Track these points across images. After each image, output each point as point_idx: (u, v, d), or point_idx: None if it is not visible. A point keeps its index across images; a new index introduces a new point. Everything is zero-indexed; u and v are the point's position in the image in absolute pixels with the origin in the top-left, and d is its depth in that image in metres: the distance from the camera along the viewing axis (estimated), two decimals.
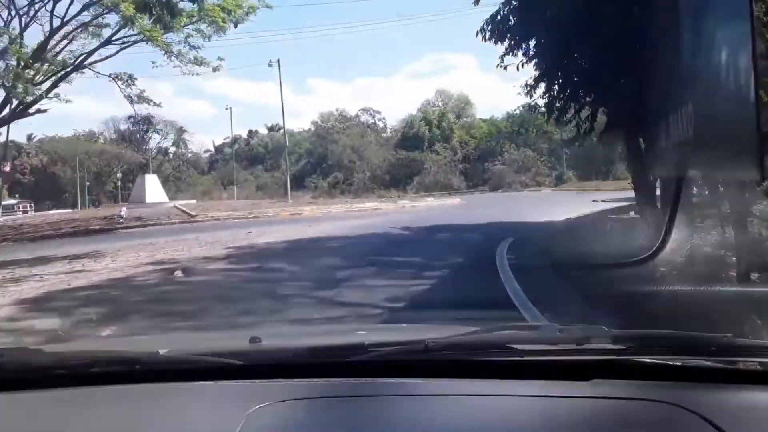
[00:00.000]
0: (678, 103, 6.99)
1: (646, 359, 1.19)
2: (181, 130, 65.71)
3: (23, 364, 1.39)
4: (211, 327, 5.19)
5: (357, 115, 73.58)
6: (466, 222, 15.40)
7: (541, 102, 11.78)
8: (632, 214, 12.80)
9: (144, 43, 17.84)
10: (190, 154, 69.10)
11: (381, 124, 73.60)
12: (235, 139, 73.53)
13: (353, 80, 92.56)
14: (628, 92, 9.01)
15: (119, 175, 59.65)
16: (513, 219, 16.10)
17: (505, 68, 11.07)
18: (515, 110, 60.56)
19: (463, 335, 1.37)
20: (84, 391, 1.29)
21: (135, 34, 17.66)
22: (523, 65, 10.73)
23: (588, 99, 10.45)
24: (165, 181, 57.12)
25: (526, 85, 11.28)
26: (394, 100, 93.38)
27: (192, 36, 18.28)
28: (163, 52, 18.07)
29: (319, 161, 62.85)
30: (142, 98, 19.87)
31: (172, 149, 67.32)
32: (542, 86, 11.12)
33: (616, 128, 10.21)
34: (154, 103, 19.81)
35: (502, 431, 1.06)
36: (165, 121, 62.65)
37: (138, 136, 64.67)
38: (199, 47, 18.15)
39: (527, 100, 12.26)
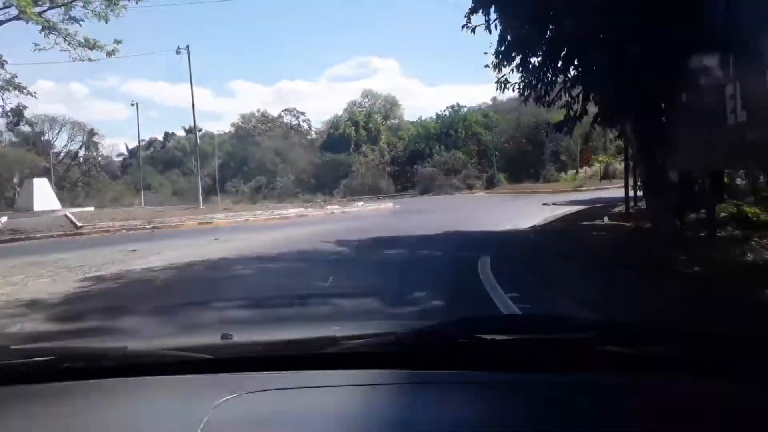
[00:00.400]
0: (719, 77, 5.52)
1: (612, 348, 1.20)
2: (91, 132, 60.43)
3: None
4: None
5: (280, 116, 70.66)
6: (412, 232, 12.70)
7: (516, 78, 9.23)
8: (606, 220, 10.62)
9: (22, 22, 14.90)
10: (100, 158, 63.61)
11: (305, 126, 70.96)
12: (151, 143, 69.12)
13: (276, 83, 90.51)
14: (643, 63, 6.63)
15: (15, 180, 53.76)
16: (466, 227, 13.71)
17: (473, 30, 8.49)
18: (444, 111, 59.37)
19: (433, 326, 1.38)
20: (52, 387, 1.27)
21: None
22: (493, 25, 8.16)
23: (582, 70, 8.01)
24: (72, 187, 52.07)
25: (498, 54, 8.68)
26: (319, 103, 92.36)
27: (73, 7, 15.08)
28: (41, 29, 15.29)
29: (240, 164, 59.48)
30: (12, 84, 16.42)
31: (81, 152, 61.63)
32: (517, 58, 8.60)
33: (621, 111, 7.80)
34: (28, 92, 16.54)
35: (464, 415, 1.06)
36: (73, 122, 57.84)
37: (43, 138, 58.78)
38: (82, 20, 15.11)
39: (496, 75, 9.57)
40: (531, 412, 1.06)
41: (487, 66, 9.10)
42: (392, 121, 71.80)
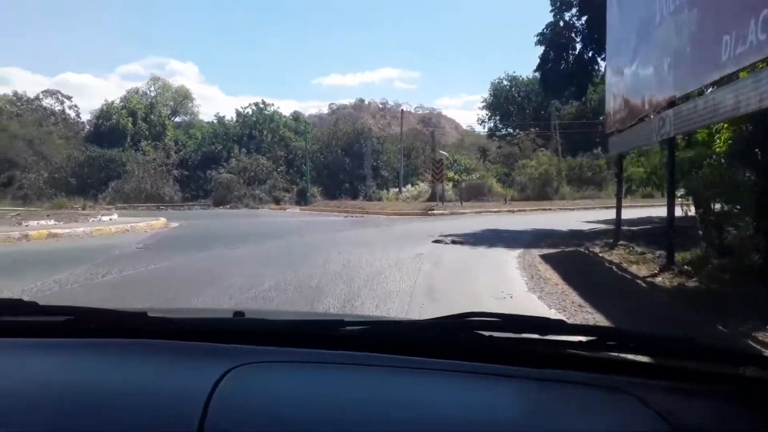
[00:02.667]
0: None
1: (603, 354, 1.24)
2: None
3: (19, 312, 1.46)
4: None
5: (38, 98, 56.01)
6: None
7: None
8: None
9: None
10: None
11: (73, 114, 57.12)
12: None
13: (58, 74, 75.66)
14: None
15: None
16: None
17: None
18: (246, 108, 50.37)
19: (440, 319, 1.36)
20: (71, 342, 1.33)
21: None
22: None
23: None
24: None
25: None
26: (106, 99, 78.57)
27: None
28: None
29: None
30: None
31: None
32: None
33: None
34: None
35: (464, 402, 1.09)
36: None
37: None
38: None
39: None
40: (516, 400, 1.12)
41: None
42: (183, 117, 61.10)
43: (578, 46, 15.67)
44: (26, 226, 14.66)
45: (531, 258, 9.17)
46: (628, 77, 9.36)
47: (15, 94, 54.88)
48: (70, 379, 1.16)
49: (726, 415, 1.06)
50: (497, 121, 54.69)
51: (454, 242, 11.74)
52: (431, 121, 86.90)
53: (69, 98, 55.32)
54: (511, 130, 51.71)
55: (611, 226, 16.46)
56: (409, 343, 1.28)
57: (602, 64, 15.74)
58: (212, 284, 6.72)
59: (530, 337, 1.26)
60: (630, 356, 1.23)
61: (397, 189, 41.06)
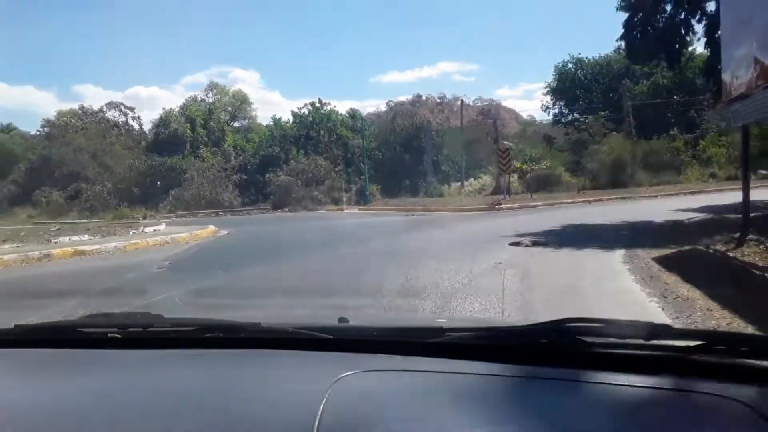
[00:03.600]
0: None
1: (713, 358, 1.17)
2: None
3: (148, 325, 1.56)
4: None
5: (101, 110, 56.85)
6: None
7: None
8: None
9: None
10: None
11: (135, 125, 57.78)
12: None
13: (128, 88, 78.05)
14: None
15: None
16: None
17: None
18: (302, 109, 49.49)
19: (534, 324, 1.35)
20: (194, 352, 1.44)
21: None
22: None
23: None
24: None
25: None
26: (164, 107, 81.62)
27: None
28: None
29: (52, 169, 45.65)
30: None
31: None
32: None
33: None
34: None
35: (565, 408, 1.08)
36: None
37: None
38: None
39: None
40: (624, 405, 1.07)
41: None
42: (242, 121, 60.88)
43: (668, 8, 13.47)
44: (55, 242, 13.69)
45: (644, 263, 7.30)
46: (761, 27, 7.32)
47: (81, 107, 55.87)
48: (195, 389, 1.25)
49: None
50: (563, 107, 51.74)
51: (536, 244, 9.92)
52: (490, 113, 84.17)
53: (132, 109, 55.79)
54: (578, 115, 48.73)
55: (709, 215, 14.29)
56: (508, 348, 1.28)
57: (698, 27, 13.50)
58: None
59: (635, 342, 1.21)
60: (747, 361, 1.14)
61: (459, 183, 39.18)
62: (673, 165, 37.36)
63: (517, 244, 10.07)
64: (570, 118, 50.64)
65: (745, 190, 8.90)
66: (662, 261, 7.39)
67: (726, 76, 8.90)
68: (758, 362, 1.12)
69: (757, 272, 6.28)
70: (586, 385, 1.13)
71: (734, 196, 20.26)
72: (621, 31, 13.90)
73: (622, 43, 13.79)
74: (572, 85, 50.88)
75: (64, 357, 1.47)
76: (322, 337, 1.41)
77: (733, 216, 13.29)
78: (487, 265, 7.86)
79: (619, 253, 8.32)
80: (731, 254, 7.48)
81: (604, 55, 50.47)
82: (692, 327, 4.26)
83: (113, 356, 1.44)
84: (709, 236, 9.57)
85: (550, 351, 1.25)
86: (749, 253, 7.27)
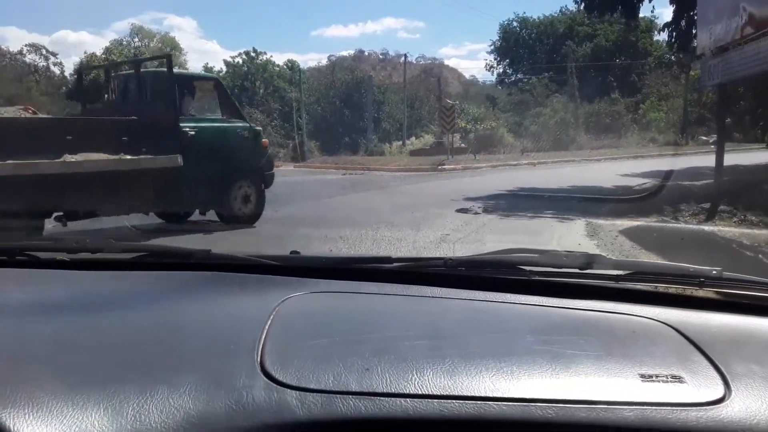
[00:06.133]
0: None
1: (641, 286, 1.28)
2: None
3: (98, 249, 1.60)
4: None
5: (21, 52, 52.16)
6: None
7: None
8: None
9: None
10: None
11: (57, 71, 53.39)
12: None
13: (54, 33, 71.98)
14: None
15: None
16: None
17: None
18: (236, 58, 46.69)
19: (478, 255, 1.46)
20: (144, 274, 1.47)
21: None
22: None
23: None
24: None
25: None
26: (85, 51, 76.11)
27: None
28: None
29: None
30: None
31: None
32: None
33: None
34: None
35: (501, 327, 1.15)
36: None
37: None
38: None
39: None
40: (559, 324, 1.14)
41: None
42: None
43: None
44: None
45: (612, 239, 6.31)
46: None
47: None
48: (143, 305, 1.27)
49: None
50: (507, 67, 50.98)
51: (486, 211, 8.82)
52: (433, 71, 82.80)
53: (54, 54, 51.39)
54: (521, 76, 48.06)
55: (658, 180, 13.64)
56: (453, 277, 1.34)
57: None
58: None
59: (570, 271, 1.29)
60: (671, 287, 1.27)
61: (400, 142, 37.94)
62: (613, 128, 37.36)
63: (465, 210, 8.95)
64: (513, 78, 50.00)
65: (718, 156, 8.03)
66: (632, 236, 6.42)
67: (702, 30, 7.91)
68: (681, 288, 1.26)
69: (749, 253, 5.35)
70: (522, 307, 1.19)
71: (675, 161, 20.08)
72: None
73: None
74: (516, 45, 50.14)
75: (13, 274, 1.49)
76: (271, 264, 1.44)
77: (686, 183, 12.65)
78: (434, 237, 6.71)
79: (580, 224, 7.35)
80: (707, 228, 6.59)
81: (548, 15, 49.88)
82: None
83: (62, 275, 1.47)
84: (671, 205, 8.75)
85: (493, 279, 1.31)
86: (724, 226, 6.40)
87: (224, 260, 1.49)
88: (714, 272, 1.25)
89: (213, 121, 8.58)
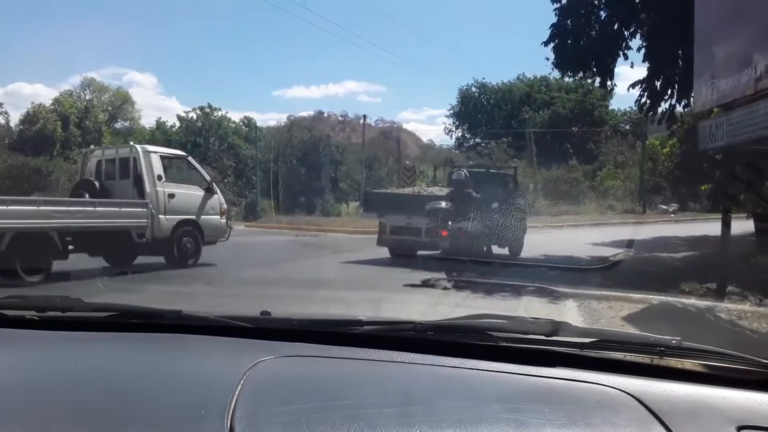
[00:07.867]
0: None
1: (605, 354, 1.27)
2: None
3: (68, 308, 1.58)
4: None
5: None
6: None
7: None
8: None
9: None
10: None
11: (2, 120, 51.11)
12: None
13: (9, 84, 69.64)
14: None
15: None
16: None
17: None
18: (190, 113, 45.47)
19: (447, 320, 1.46)
20: (116, 335, 1.47)
21: None
22: None
23: None
24: None
25: None
26: (32, 101, 73.87)
27: None
28: None
29: None
30: None
31: None
32: None
33: None
34: None
35: (469, 394, 1.13)
36: None
37: None
38: None
39: None
40: (525, 392, 1.13)
41: None
42: (122, 123, 55.64)
43: (602, 15, 11.86)
44: None
45: (617, 329, 5.14)
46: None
47: None
48: (114, 368, 1.25)
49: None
50: (465, 131, 51.17)
51: (456, 287, 7.53)
52: (392, 134, 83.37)
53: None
54: (480, 140, 48.20)
55: (631, 250, 12.80)
56: (423, 342, 1.33)
57: (634, 41, 11.99)
58: None
59: (537, 338, 1.28)
60: (632, 357, 1.26)
61: (357, 203, 36.95)
62: (571, 195, 37.33)
63: (430, 285, 7.62)
64: (472, 142, 50.13)
65: (724, 232, 7.05)
66: (639, 324, 5.24)
67: (701, 83, 7.06)
68: (643, 358, 1.25)
69: None
70: (490, 374, 1.18)
71: (637, 230, 19.57)
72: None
73: (549, 52, 11.96)
74: (475, 110, 50.53)
75: None
76: (242, 326, 1.44)
77: (665, 255, 11.81)
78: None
79: (571, 307, 6.18)
80: (727, 317, 5.47)
81: (506, 82, 50.65)
82: None
83: (31, 336, 1.45)
84: (661, 282, 7.72)
85: (461, 344, 1.31)
86: (751, 315, 5.33)
87: (195, 321, 1.50)
88: (674, 342, 1.26)
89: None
